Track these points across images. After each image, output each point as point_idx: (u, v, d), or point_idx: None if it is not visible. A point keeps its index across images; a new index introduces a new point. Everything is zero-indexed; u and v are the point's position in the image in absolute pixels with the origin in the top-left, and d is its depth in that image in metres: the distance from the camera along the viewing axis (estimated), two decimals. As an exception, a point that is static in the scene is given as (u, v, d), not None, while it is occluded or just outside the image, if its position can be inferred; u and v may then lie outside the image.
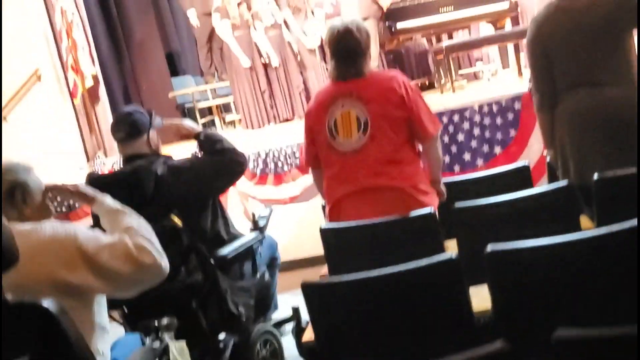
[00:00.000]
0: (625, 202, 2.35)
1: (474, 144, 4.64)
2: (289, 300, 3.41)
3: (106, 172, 5.27)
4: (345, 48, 2.81)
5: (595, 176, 2.39)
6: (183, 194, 2.76)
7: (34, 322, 1.76)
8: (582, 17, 2.73)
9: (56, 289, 1.84)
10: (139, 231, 1.93)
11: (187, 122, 3.02)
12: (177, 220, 2.73)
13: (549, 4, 2.87)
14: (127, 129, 2.85)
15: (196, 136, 2.95)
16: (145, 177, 2.73)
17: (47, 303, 1.75)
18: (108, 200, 2.05)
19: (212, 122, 7.85)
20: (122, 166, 2.92)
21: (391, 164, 2.78)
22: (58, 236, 1.87)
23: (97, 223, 2.17)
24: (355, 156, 2.79)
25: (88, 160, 6.36)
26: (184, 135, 3.00)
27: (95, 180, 2.81)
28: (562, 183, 2.45)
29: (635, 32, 2.79)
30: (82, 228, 1.92)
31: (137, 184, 2.71)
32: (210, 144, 2.90)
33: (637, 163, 2.71)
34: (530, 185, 2.88)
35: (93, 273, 1.85)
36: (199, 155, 2.98)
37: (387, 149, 2.77)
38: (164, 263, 1.92)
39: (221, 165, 2.86)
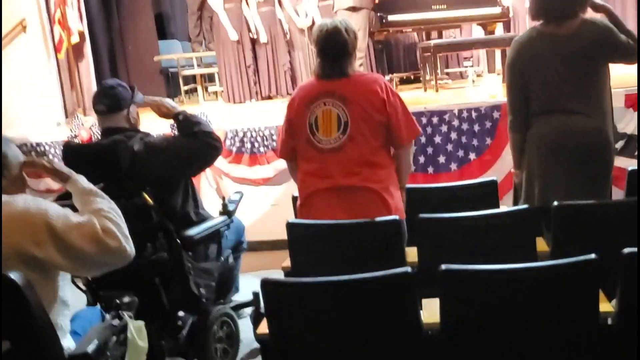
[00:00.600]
0: (581, 232, 2.44)
1: (449, 147, 4.68)
2: (250, 281, 3.47)
3: (84, 132, 5.26)
4: (332, 47, 2.84)
5: (555, 203, 2.48)
6: (157, 173, 2.80)
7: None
8: (562, 45, 2.79)
9: (22, 261, 1.87)
10: (108, 214, 1.97)
11: (168, 101, 3.03)
12: (148, 197, 2.77)
13: (532, 28, 2.92)
14: (108, 102, 2.88)
15: (175, 116, 2.98)
16: (122, 152, 2.75)
17: (14, 275, 1.80)
18: (82, 180, 2.08)
19: (195, 90, 7.81)
20: (99, 138, 2.94)
21: (366, 166, 2.84)
22: (29, 211, 1.90)
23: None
24: (332, 154, 2.84)
25: (66, 116, 6.32)
26: (164, 113, 3.02)
27: (71, 150, 2.83)
28: (523, 207, 2.53)
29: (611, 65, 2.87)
30: (53, 205, 1.96)
31: (114, 158, 2.74)
32: (188, 126, 2.92)
33: (604, 194, 2.81)
34: (496, 200, 2.96)
35: (59, 250, 1.88)
36: (176, 135, 3.00)
37: (364, 151, 2.83)
38: (130, 248, 1.96)
39: (197, 148, 2.88)
